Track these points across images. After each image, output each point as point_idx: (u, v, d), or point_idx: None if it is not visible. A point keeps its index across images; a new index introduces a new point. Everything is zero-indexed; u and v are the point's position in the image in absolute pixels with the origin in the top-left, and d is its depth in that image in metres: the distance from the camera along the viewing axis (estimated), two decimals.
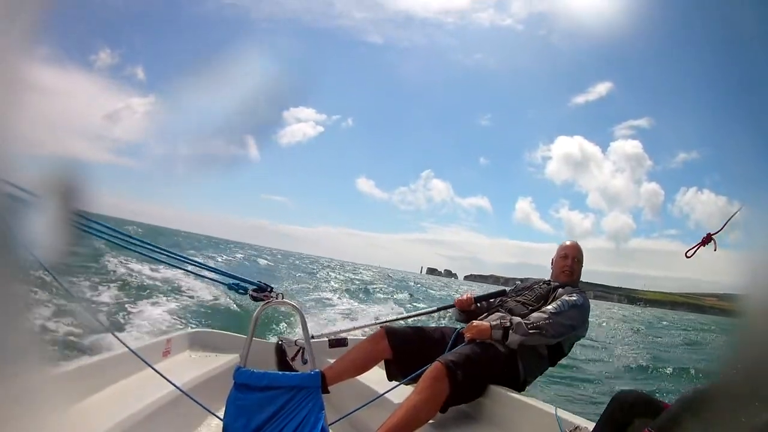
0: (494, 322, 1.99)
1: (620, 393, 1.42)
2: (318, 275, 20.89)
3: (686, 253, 1.39)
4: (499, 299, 2.32)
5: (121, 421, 1.46)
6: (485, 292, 2.41)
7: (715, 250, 1.30)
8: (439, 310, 2.55)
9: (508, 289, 2.42)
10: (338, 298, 11.34)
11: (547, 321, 1.96)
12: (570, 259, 2.31)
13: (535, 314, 2.02)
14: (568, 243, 2.40)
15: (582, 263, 2.35)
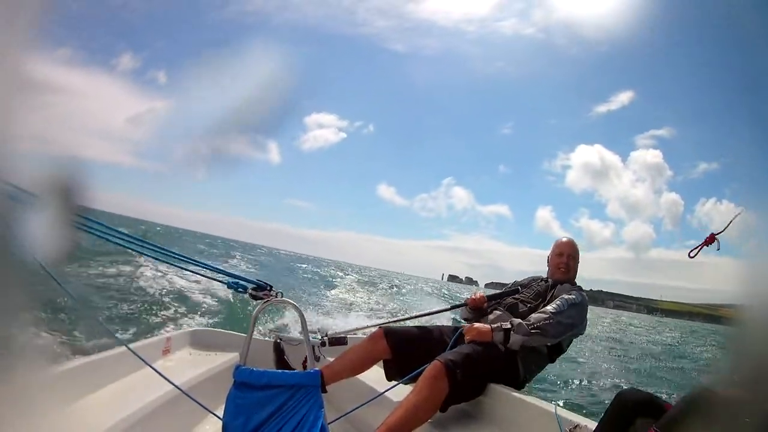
0: (495, 325, 1.99)
1: (623, 392, 1.42)
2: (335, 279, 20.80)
3: (689, 254, 1.39)
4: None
5: (120, 419, 1.46)
6: (498, 291, 2.40)
7: (718, 249, 1.30)
8: (452, 308, 2.52)
9: (521, 288, 2.41)
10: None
11: (547, 321, 1.97)
12: (565, 257, 2.31)
13: (535, 315, 2.02)
14: (563, 240, 2.40)
15: (578, 260, 2.34)
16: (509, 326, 1.96)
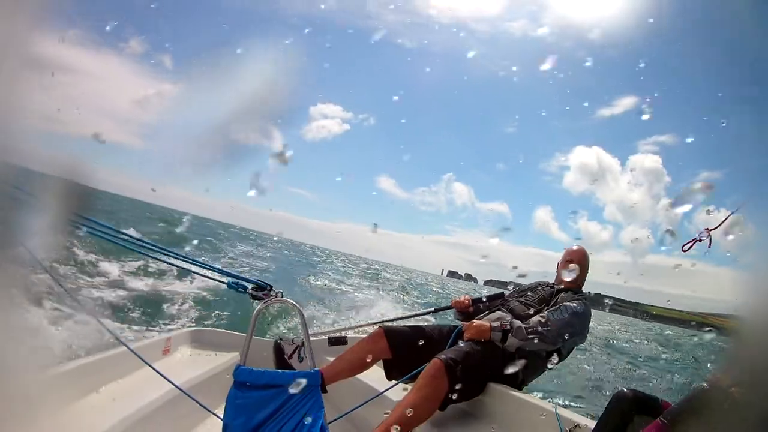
0: (494, 323, 1.99)
1: (621, 391, 1.43)
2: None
3: (683, 247, 1.39)
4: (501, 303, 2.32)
5: (121, 419, 1.46)
6: (484, 295, 2.42)
7: (709, 246, 1.30)
8: (436, 311, 2.56)
9: (506, 292, 2.42)
10: None
11: (546, 328, 1.96)
12: (574, 263, 2.30)
13: (534, 319, 2.01)
14: (574, 248, 2.40)
15: (587, 269, 2.34)
16: (508, 328, 1.96)
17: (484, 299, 2.35)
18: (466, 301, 2.31)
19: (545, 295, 2.23)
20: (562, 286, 2.27)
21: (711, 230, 1.29)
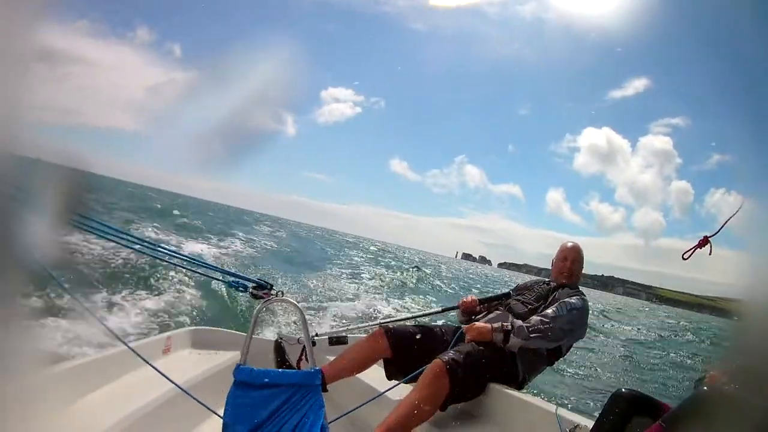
0: (495, 325, 1.99)
1: (619, 392, 1.43)
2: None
3: (683, 255, 1.39)
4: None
5: (121, 419, 1.46)
6: (488, 295, 2.42)
7: (710, 253, 1.31)
8: (444, 311, 2.55)
9: (512, 292, 2.43)
10: None
11: (547, 325, 1.97)
12: (569, 261, 2.33)
13: (535, 318, 2.02)
14: (569, 245, 2.42)
15: (581, 265, 2.37)
16: (510, 328, 1.96)
17: (492, 296, 2.36)
18: (473, 302, 2.32)
19: (543, 293, 2.24)
20: (559, 283, 2.28)
21: (710, 237, 1.29)
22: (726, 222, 1.24)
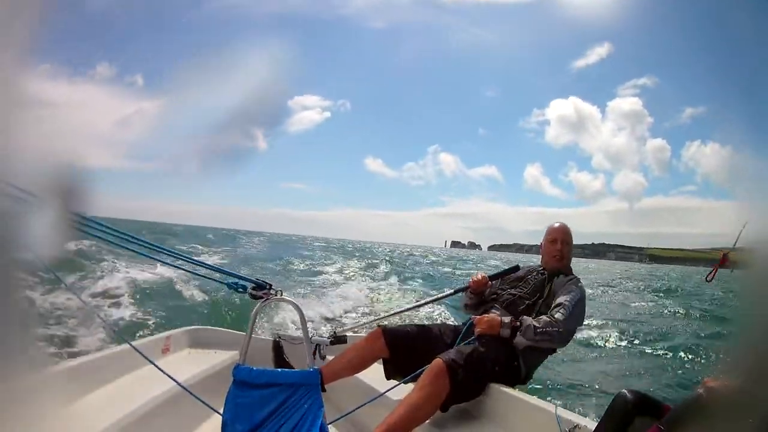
0: (506, 319, 1.98)
1: (622, 392, 1.43)
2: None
3: (707, 278, 1.43)
4: (492, 295, 2.29)
5: (121, 418, 1.46)
6: (498, 271, 2.37)
7: (732, 271, 1.31)
8: (456, 292, 2.45)
9: (521, 265, 2.37)
10: None
11: (556, 329, 1.93)
12: (559, 243, 2.26)
13: (545, 319, 1.97)
14: (556, 226, 2.34)
15: (572, 244, 2.30)
16: (518, 324, 1.95)
17: (501, 271, 2.32)
18: (483, 279, 2.27)
19: (538, 284, 2.19)
20: (551, 268, 2.24)
21: (727, 254, 1.31)
22: (739, 235, 1.26)
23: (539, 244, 2.38)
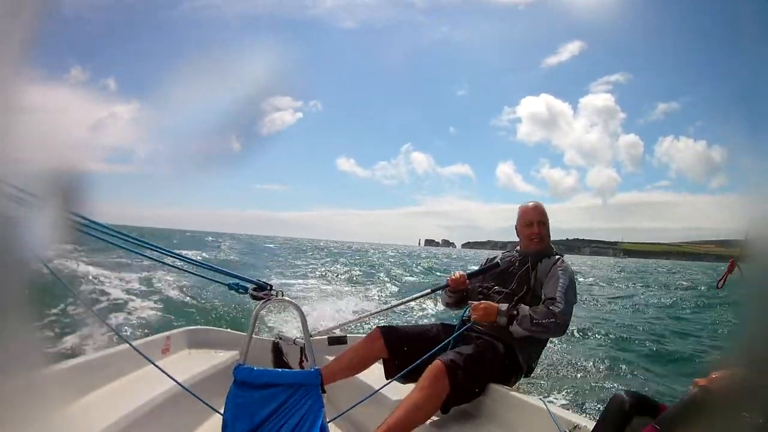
0: (503, 307, 1.96)
1: (618, 393, 1.44)
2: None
3: (717, 284, 1.46)
4: (479, 295, 2.21)
5: (121, 417, 1.46)
6: (476, 269, 2.28)
7: (741, 276, 1.33)
8: (433, 291, 2.37)
9: (499, 260, 2.26)
10: None
11: (554, 321, 1.91)
12: (536, 225, 2.16)
13: (542, 309, 1.94)
14: (529, 205, 2.22)
15: (548, 224, 2.19)
16: (515, 313, 1.94)
17: (480, 269, 2.24)
18: (462, 278, 2.21)
19: (524, 276, 2.11)
20: (532, 252, 2.15)
21: (736, 259, 1.31)
22: (745, 239, 1.26)
23: (515, 227, 2.27)
